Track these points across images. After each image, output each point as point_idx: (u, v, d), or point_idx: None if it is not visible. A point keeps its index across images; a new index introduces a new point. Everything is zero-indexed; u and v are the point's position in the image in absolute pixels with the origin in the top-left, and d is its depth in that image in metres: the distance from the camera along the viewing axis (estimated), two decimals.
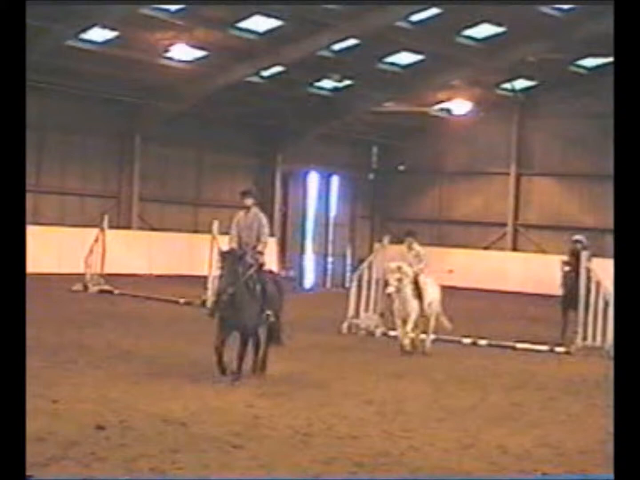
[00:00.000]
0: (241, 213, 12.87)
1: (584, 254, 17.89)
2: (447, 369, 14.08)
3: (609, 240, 28.64)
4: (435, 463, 8.26)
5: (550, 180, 35.19)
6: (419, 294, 15.58)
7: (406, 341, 15.47)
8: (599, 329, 16.31)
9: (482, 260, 34.15)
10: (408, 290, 15.44)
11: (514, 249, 35.50)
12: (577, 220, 34.04)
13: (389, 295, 15.60)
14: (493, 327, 19.71)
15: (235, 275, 11.86)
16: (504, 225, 35.67)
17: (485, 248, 35.62)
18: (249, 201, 12.84)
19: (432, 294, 15.95)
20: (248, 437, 8.73)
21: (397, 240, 19.13)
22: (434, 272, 17.16)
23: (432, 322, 15.96)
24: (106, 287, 23.41)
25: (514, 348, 16.62)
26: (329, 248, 37.38)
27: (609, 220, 29.90)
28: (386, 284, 16.19)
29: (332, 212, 37.60)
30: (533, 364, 15.01)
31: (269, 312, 12.26)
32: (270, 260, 34.47)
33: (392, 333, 17.51)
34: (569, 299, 18.11)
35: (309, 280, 35.85)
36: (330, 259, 37.42)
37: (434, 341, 16.14)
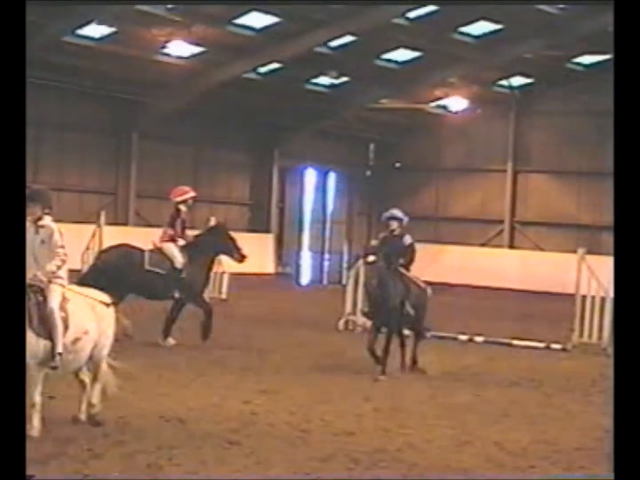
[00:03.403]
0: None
1: (406, 239, 13.43)
2: (444, 366, 14.08)
3: (606, 238, 28.69)
4: (432, 460, 8.27)
5: (548, 177, 35.21)
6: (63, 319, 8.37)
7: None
8: (595, 326, 16.32)
9: (479, 258, 34.15)
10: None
11: (511, 246, 35.52)
12: (574, 218, 34.08)
13: None
14: (490, 324, 19.72)
15: None
16: (501, 222, 35.68)
17: (482, 245, 35.63)
18: None
19: (85, 322, 8.69)
20: (245, 434, 8.73)
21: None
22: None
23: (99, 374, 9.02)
24: None
25: (510, 345, 16.63)
26: (325, 245, 37.40)
27: (605, 218, 30.01)
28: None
29: (329, 209, 37.61)
30: (530, 361, 15.02)
31: None
32: (268, 257, 34.34)
33: None
34: (377, 309, 12.93)
35: (305, 276, 35.85)
36: (327, 256, 37.43)
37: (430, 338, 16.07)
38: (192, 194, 15.37)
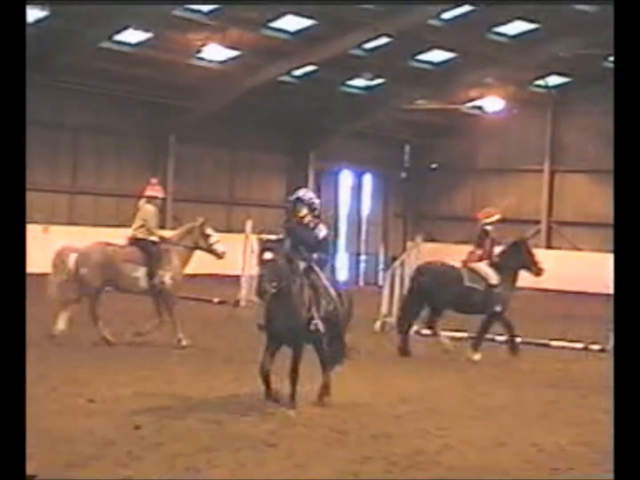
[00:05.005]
0: None
1: (319, 231, 10.31)
2: (481, 367, 14.04)
3: None
4: (470, 461, 8.25)
5: (584, 176, 34.98)
6: None
7: None
8: None
9: None
10: None
11: (548, 246, 35.30)
12: (611, 217, 33.82)
13: None
14: (527, 325, 19.59)
15: None
16: (538, 222, 35.49)
17: None
18: None
19: None
20: (283, 436, 8.76)
21: (430, 239, 19.02)
22: None
23: None
24: None
25: (548, 346, 16.55)
26: (361, 246, 37.40)
27: None
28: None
29: (365, 211, 37.61)
30: (568, 362, 14.94)
31: None
32: None
33: (424, 332, 17.50)
34: (274, 323, 9.95)
35: (341, 278, 35.84)
36: (363, 258, 37.43)
37: (466, 339, 16.01)
38: (497, 216, 15.92)
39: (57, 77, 27.02)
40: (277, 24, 26.69)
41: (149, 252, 14.59)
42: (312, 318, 9.92)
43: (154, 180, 16.25)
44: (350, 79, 31.76)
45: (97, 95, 28.84)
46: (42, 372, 11.32)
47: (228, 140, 32.50)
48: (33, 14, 24.32)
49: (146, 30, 26.08)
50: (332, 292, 10.38)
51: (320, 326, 9.99)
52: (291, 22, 26.71)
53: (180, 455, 7.88)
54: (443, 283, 15.01)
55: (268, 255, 9.63)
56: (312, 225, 10.33)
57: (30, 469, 7.08)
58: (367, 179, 37.49)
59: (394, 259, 22.46)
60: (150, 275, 14.52)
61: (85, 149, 29.64)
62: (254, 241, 21.54)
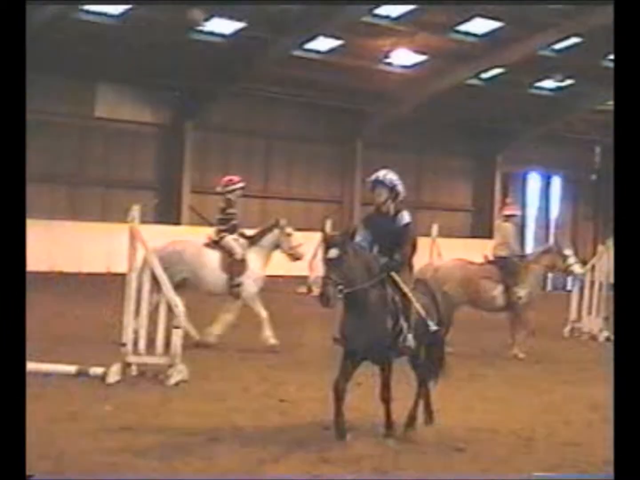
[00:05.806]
0: None
1: (401, 217, 8.57)
2: None
3: None
4: None
5: None
6: None
7: None
8: None
9: None
10: None
11: None
12: None
13: None
14: None
15: None
16: None
17: None
18: None
19: None
20: (469, 441, 8.77)
21: None
22: None
23: None
24: None
25: None
26: None
27: None
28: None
29: (554, 214, 36.93)
30: None
31: None
32: None
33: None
34: (350, 335, 8.21)
35: None
36: None
37: None
38: None
39: (250, 85, 27.89)
40: (465, 27, 26.64)
41: (508, 270, 15.01)
42: (400, 330, 8.18)
43: (509, 200, 16.73)
44: (540, 80, 31.30)
45: (288, 103, 29.58)
46: (235, 373, 11.76)
47: (414, 144, 32.63)
48: (232, 25, 25.24)
49: (336, 37, 26.56)
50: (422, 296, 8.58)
51: (411, 341, 8.25)
52: (479, 25, 26.60)
53: (367, 457, 8.04)
54: None
55: (333, 253, 7.77)
56: (392, 212, 8.58)
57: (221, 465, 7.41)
58: (556, 182, 36.81)
59: (584, 262, 21.96)
60: (508, 292, 14.97)
61: (277, 155, 30.46)
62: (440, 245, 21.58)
